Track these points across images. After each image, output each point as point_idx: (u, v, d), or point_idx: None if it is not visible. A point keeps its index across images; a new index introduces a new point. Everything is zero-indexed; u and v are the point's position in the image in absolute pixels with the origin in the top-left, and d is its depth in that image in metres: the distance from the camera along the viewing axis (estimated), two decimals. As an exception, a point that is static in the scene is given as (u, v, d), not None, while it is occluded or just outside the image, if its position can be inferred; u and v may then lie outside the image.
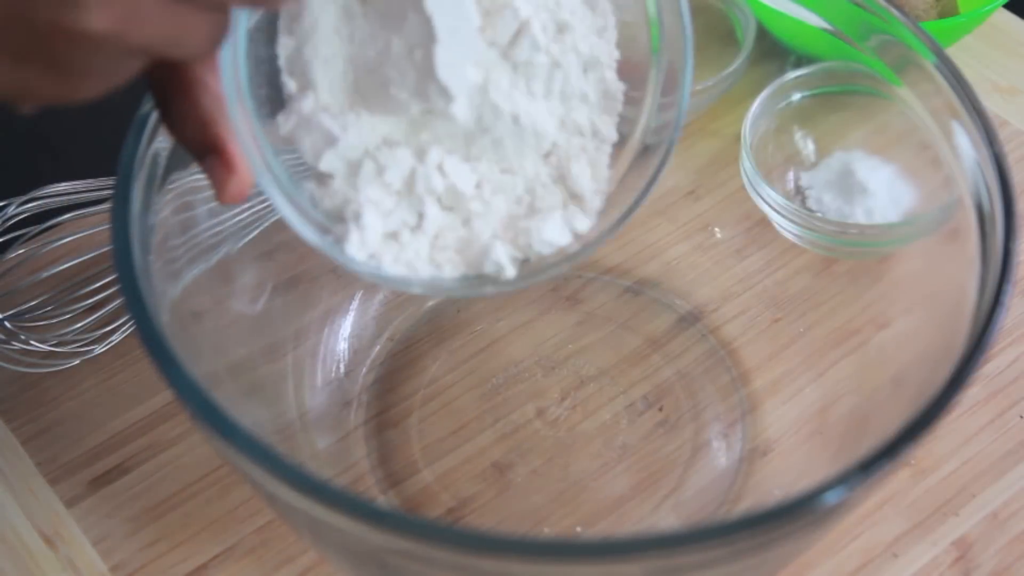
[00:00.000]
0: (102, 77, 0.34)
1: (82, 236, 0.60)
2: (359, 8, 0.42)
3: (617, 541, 0.38)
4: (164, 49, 0.34)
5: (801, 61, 0.62)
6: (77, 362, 0.59)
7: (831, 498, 0.38)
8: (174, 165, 0.48)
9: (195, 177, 0.51)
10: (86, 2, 0.31)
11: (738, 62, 0.64)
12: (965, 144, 0.49)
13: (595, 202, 0.46)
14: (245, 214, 0.56)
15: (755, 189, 0.61)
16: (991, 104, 0.72)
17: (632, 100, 0.46)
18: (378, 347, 0.61)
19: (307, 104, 0.43)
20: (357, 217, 0.43)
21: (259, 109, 0.42)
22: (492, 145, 0.44)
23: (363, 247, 0.44)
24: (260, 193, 0.55)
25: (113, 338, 0.59)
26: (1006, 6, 0.76)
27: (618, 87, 0.46)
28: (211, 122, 0.40)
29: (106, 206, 0.58)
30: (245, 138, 0.41)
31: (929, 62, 0.51)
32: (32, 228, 0.59)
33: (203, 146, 0.40)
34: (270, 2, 0.34)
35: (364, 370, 0.60)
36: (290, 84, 0.43)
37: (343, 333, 0.60)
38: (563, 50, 0.44)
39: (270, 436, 0.52)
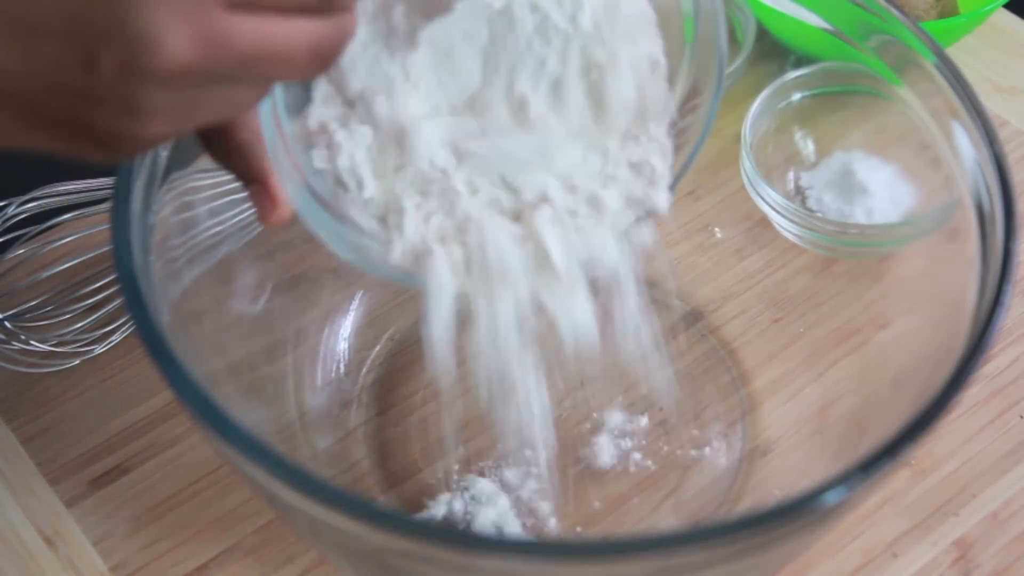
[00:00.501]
0: (145, 149, 0.36)
1: (82, 236, 0.60)
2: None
3: (617, 541, 0.38)
4: (212, 123, 0.35)
5: (801, 61, 0.62)
6: (77, 362, 0.59)
7: (831, 498, 0.38)
8: (174, 165, 0.48)
9: (195, 177, 0.51)
10: (145, 115, 0.32)
11: (738, 62, 0.64)
12: (965, 144, 0.49)
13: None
14: (245, 214, 0.56)
15: (755, 189, 0.61)
16: (991, 104, 0.72)
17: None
18: (378, 347, 0.61)
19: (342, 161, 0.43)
20: (399, 226, 0.44)
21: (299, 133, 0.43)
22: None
23: (405, 255, 0.44)
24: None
25: (113, 338, 0.59)
26: (1006, 6, 0.76)
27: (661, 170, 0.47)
28: (253, 157, 0.41)
29: (106, 206, 0.58)
30: (284, 168, 0.42)
31: (929, 62, 0.51)
32: (32, 228, 0.59)
33: (247, 178, 0.42)
34: (314, 74, 0.35)
35: (364, 370, 0.60)
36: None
37: (343, 333, 0.60)
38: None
39: (270, 436, 0.52)
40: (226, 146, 0.41)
